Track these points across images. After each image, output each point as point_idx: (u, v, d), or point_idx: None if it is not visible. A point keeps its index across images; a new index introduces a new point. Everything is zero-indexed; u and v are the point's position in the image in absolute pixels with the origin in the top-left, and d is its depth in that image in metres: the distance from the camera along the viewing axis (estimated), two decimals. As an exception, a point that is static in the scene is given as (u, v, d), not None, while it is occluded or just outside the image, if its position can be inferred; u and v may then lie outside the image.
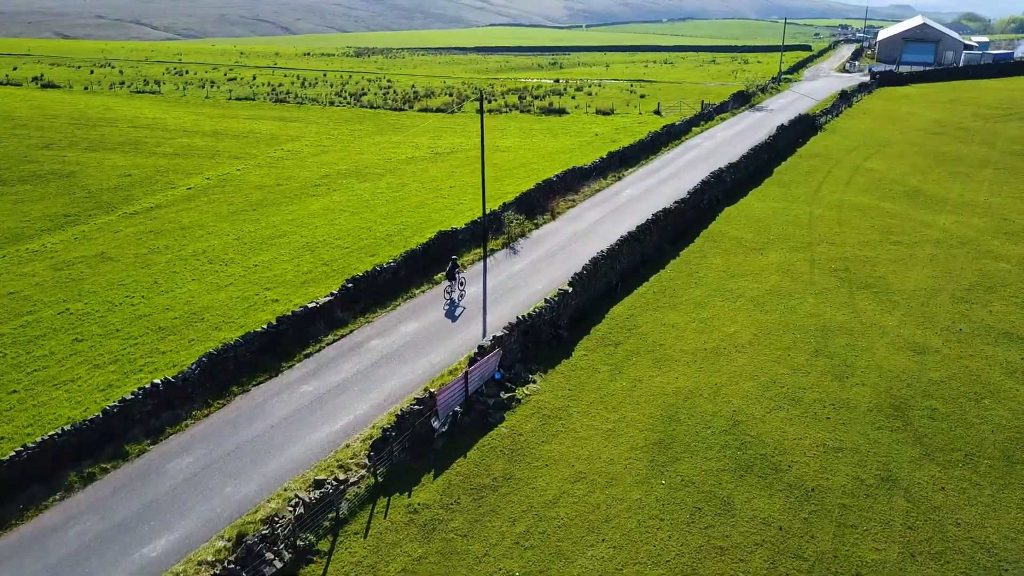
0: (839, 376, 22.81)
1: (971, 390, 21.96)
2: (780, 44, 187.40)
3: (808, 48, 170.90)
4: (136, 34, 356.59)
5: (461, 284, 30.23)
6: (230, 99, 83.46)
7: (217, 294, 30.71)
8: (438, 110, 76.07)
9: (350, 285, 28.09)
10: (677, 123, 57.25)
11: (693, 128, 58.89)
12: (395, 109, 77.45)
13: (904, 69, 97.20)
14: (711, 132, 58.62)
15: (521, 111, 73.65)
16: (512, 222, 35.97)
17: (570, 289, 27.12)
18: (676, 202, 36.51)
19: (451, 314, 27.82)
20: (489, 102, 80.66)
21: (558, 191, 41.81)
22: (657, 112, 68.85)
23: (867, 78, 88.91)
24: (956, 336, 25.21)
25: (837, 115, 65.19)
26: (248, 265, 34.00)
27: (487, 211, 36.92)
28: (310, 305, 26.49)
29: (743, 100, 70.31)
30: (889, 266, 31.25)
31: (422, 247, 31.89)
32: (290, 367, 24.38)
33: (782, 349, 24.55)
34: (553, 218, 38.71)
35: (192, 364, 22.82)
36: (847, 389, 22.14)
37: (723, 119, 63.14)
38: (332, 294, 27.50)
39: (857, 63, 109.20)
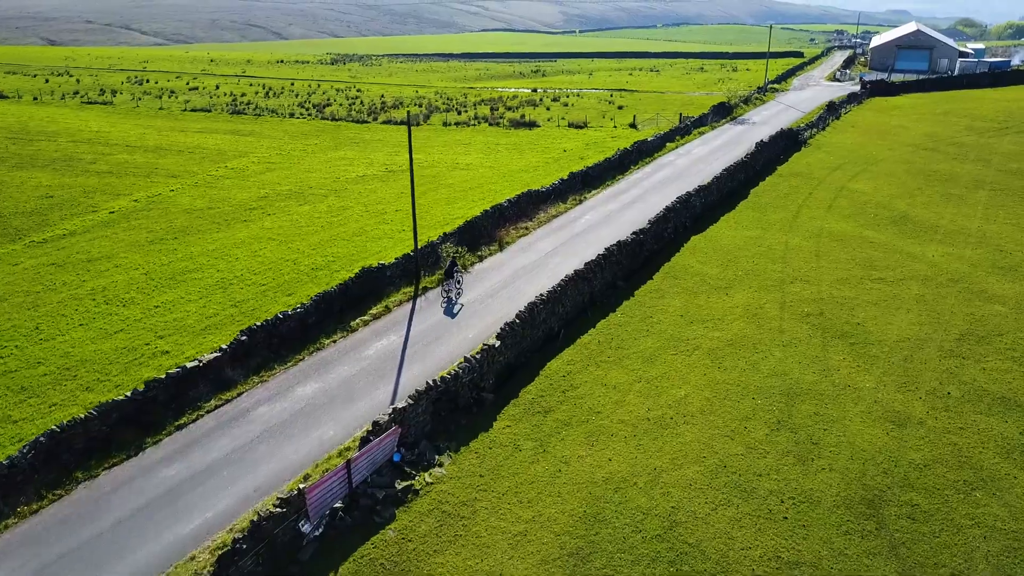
0: (803, 458, 19.35)
1: (960, 477, 18.52)
2: (770, 51, 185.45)
3: (800, 55, 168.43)
4: (124, 39, 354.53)
5: (459, 283, 30.48)
6: (185, 110, 79.99)
7: (102, 343, 27.11)
8: (402, 122, 72.70)
9: (244, 338, 24.53)
10: (650, 139, 53.99)
11: (668, 144, 55.64)
12: (358, 121, 74.08)
13: (897, 77, 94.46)
14: (687, 148, 55.36)
15: (490, 124, 70.37)
16: (451, 255, 32.47)
17: (498, 343, 23.64)
18: (635, 233, 33.12)
19: (375, 368, 24.29)
20: (459, 113, 77.39)
21: (510, 217, 38.39)
22: (633, 126, 65.65)
23: (857, 87, 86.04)
24: (943, 402, 21.79)
25: (823, 128, 62.08)
26: (149, 306, 30.41)
27: (424, 242, 33.52)
28: (190, 365, 22.90)
29: (724, 112, 67.17)
30: (870, 309, 27.87)
31: (338, 288, 28.37)
32: (156, 443, 20.78)
33: (738, 420, 21.07)
34: (501, 249, 35.26)
35: (25, 446, 19.23)
36: (811, 475, 18.68)
37: (701, 133, 59.95)
38: (221, 349, 23.93)
39: (848, 71, 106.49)
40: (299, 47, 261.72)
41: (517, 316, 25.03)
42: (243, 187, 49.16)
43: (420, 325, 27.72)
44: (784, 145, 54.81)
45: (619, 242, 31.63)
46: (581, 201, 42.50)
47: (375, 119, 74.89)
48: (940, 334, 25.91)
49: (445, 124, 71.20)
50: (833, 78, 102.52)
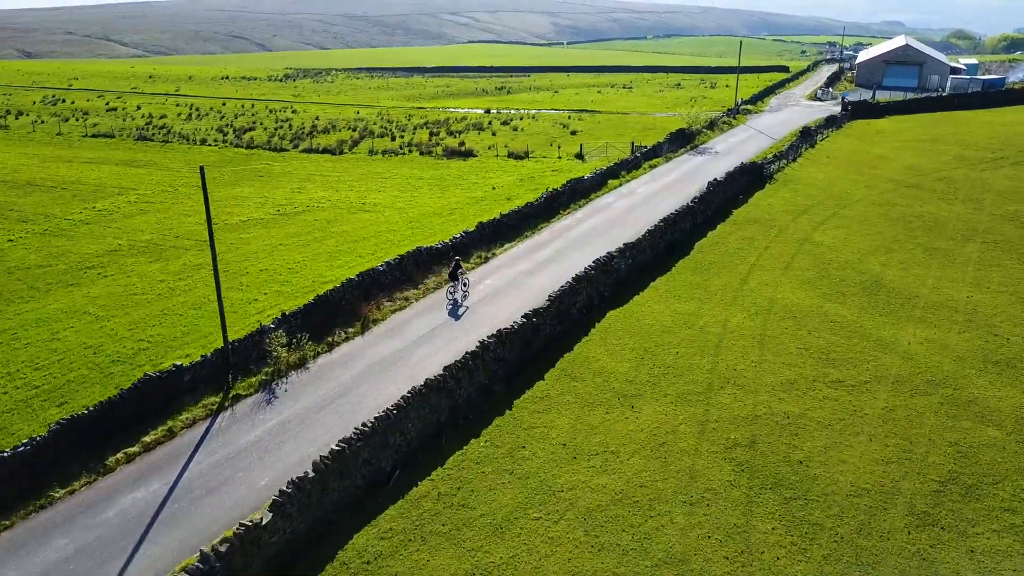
0: None
1: None
2: (753, 65, 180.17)
3: (785, 69, 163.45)
4: (103, 51, 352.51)
5: (465, 285, 31.48)
6: (86, 136, 73.09)
7: None
8: (325, 150, 65.98)
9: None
10: (588, 176, 47.32)
11: (610, 181, 49.02)
12: (276, 149, 67.31)
13: (883, 97, 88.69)
14: (631, 186, 48.73)
15: (423, 152, 63.73)
16: (281, 348, 25.52)
17: (268, 518, 16.67)
18: (528, 315, 26.32)
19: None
20: (393, 139, 70.76)
21: (388, 284, 31.52)
22: (579, 156, 59.14)
23: (838, 108, 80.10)
24: (910, 621, 14.96)
25: (793, 160, 55.73)
26: None
27: (264, 322, 26.60)
28: None
29: (684, 140, 60.77)
30: (818, 436, 21.07)
31: (95, 410, 21.32)
32: None
33: (596, 662, 14.14)
34: (363, 331, 28.33)
35: None
36: None
37: (653, 167, 53.43)
38: None
39: (830, 90, 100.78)
40: (271, 60, 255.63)
41: (315, 466, 18.08)
42: (97, 236, 42.15)
43: (208, 459, 20.71)
44: (746, 182, 48.33)
45: (500, 332, 24.78)
46: (487, 259, 35.66)
47: (296, 146, 68.11)
48: (912, 481, 19.09)
49: (371, 152, 64.51)
50: (814, 97, 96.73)
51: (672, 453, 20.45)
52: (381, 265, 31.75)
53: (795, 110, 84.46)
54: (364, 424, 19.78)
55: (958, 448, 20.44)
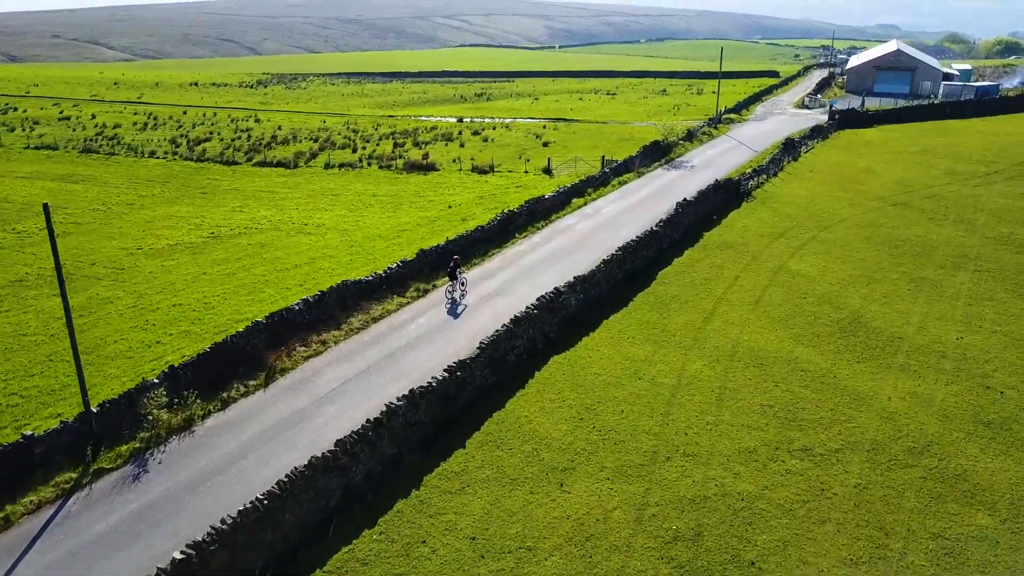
0: None
1: None
2: (750, 70, 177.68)
3: (775, 75, 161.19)
4: (90, 55, 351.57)
5: (463, 284, 31.81)
6: (28, 147, 69.57)
7: None
8: (279, 164, 62.68)
9: None
10: (549, 195, 44.10)
11: (574, 200, 45.86)
12: (228, 162, 63.95)
13: (872, 105, 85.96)
14: (597, 205, 45.55)
15: (382, 166, 60.50)
16: (160, 410, 22.18)
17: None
18: (452, 367, 23.07)
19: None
20: (354, 151, 67.50)
21: (306, 326, 28.22)
22: (547, 171, 55.99)
23: (825, 117, 77.23)
24: None
25: (775, 174, 52.70)
26: None
27: (148, 375, 23.26)
28: None
29: (658, 153, 57.69)
30: (777, 526, 17.87)
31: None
32: None
33: None
34: (266, 385, 24.99)
35: None
36: None
37: (622, 183, 50.29)
38: None
39: (818, 97, 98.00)
40: (255, 64, 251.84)
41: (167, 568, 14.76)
42: (5, 264, 38.80)
43: (44, 557, 17.37)
44: (721, 200, 45.26)
45: (412, 392, 21.51)
46: (426, 292, 32.39)
47: (250, 159, 64.77)
48: (885, 592, 15.91)
49: (327, 166, 61.22)
50: (801, 104, 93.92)
51: (599, 550, 17.20)
52: (297, 304, 28.44)
53: (781, 119, 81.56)
54: (224, 520, 16.49)
55: (942, 543, 17.25)
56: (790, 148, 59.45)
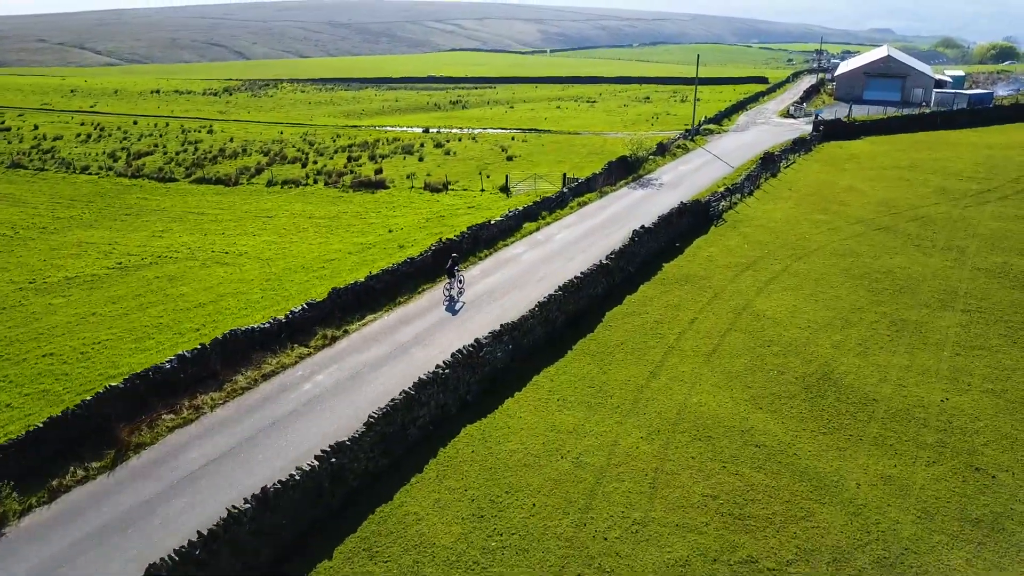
0: None
1: None
2: (737, 76, 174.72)
3: (764, 80, 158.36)
4: (75, 59, 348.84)
5: (460, 282, 32.54)
6: (-49, 163, 65.42)
7: None
8: (218, 181, 58.74)
9: None
10: (494, 221, 40.24)
11: (527, 224, 42.07)
12: (164, 179, 59.96)
13: (860, 114, 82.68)
14: (551, 231, 41.76)
15: (329, 183, 56.64)
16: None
17: None
18: (328, 451, 19.20)
19: None
20: (303, 166, 63.61)
21: (177, 386, 24.27)
22: (504, 189, 52.23)
23: (811, 127, 73.81)
24: None
25: (750, 193, 49.10)
26: None
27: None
28: None
29: (626, 170, 53.97)
30: None
31: None
32: None
33: None
34: (112, 466, 21.03)
35: None
36: None
37: (583, 203, 46.53)
38: None
39: (804, 105, 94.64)
40: (237, 70, 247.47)
41: None
42: None
43: None
44: (686, 225, 41.58)
45: (264, 492, 17.60)
46: (333, 340, 28.46)
47: (190, 175, 60.79)
48: None
49: (270, 183, 57.34)
50: (787, 113, 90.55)
51: None
52: (170, 361, 24.49)
53: (763, 129, 78.08)
54: None
55: None
56: (768, 164, 55.87)
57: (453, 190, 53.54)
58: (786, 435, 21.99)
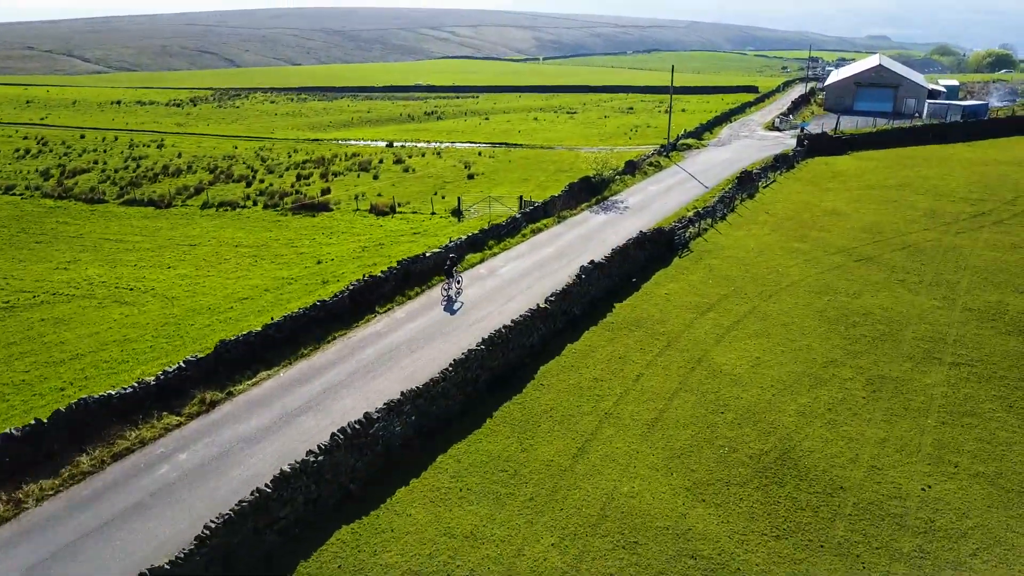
0: None
1: None
2: (726, 85, 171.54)
3: (754, 89, 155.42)
4: (62, 67, 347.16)
5: (458, 283, 33.53)
6: None
7: None
8: (151, 202, 54.76)
9: None
10: (431, 252, 36.27)
11: (470, 255, 38.15)
12: (94, 200, 56.03)
13: (848, 127, 79.26)
14: (495, 263, 37.80)
15: (269, 205, 52.76)
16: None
17: None
18: (137, 578, 15.22)
19: None
20: (248, 184, 59.72)
21: (4, 472, 20.25)
22: (457, 212, 48.39)
23: (794, 141, 70.23)
24: None
25: (723, 217, 45.35)
26: None
27: None
28: None
29: (590, 191, 50.18)
30: None
31: None
32: None
33: None
34: None
35: None
36: None
37: (537, 230, 42.67)
38: None
39: (790, 118, 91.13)
40: (217, 78, 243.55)
41: None
42: None
43: None
44: (647, 257, 37.77)
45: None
46: (214, 404, 24.45)
47: (122, 196, 56.82)
48: None
49: (205, 205, 53.43)
50: (772, 126, 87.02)
51: None
52: (14, 429, 20.48)
53: (745, 144, 74.48)
54: None
55: None
56: (746, 183, 52.14)
57: (402, 213, 49.70)
58: (730, 540, 18.07)
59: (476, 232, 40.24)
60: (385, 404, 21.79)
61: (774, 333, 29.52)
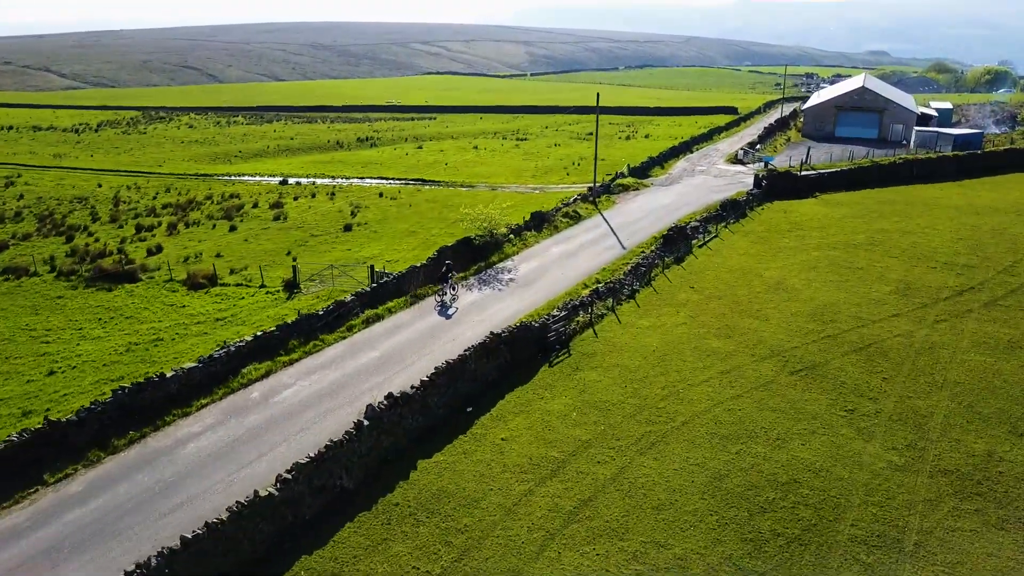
0: None
1: None
2: (702, 106, 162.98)
3: (733, 111, 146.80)
4: (37, 83, 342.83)
5: (453, 288, 34.38)
6: None
7: None
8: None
9: None
10: (175, 373, 26.05)
11: (251, 365, 27.90)
12: None
13: (821, 161, 69.82)
14: (281, 381, 27.31)
15: (67, 272, 42.47)
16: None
17: None
18: None
19: None
20: (69, 240, 49.49)
21: None
22: (292, 285, 38.31)
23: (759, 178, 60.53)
24: None
25: (629, 296, 35.42)
26: None
27: None
28: None
29: (471, 256, 40.14)
30: None
31: None
32: None
33: None
34: None
35: None
36: None
37: (375, 318, 32.36)
38: None
39: (759, 148, 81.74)
40: (200, 95, 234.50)
41: None
42: None
43: None
44: (499, 369, 27.73)
45: None
46: None
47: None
48: None
49: (-10, 273, 43.22)
50: (735, 158, 77.46)
51: None
52: None
53: (698, 182, 64.79)
54: None
55: None
56: (674, 244, 42.27)
57: (224, 284, 39.63)
58: None
59: (275, 329, 29.88)
60: None
61: (635, 529, 19.42)
